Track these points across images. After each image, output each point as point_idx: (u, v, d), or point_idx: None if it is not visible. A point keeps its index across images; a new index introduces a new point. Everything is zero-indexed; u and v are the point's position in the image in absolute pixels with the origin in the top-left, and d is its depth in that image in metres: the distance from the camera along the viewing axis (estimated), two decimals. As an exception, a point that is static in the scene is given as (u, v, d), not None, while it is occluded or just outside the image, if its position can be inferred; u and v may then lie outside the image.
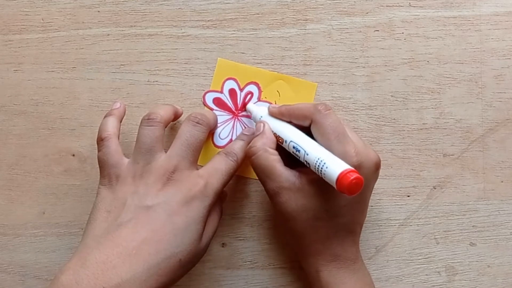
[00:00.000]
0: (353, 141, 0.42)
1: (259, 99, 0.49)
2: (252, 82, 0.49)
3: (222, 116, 0.49)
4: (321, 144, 0.42)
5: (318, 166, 0.40)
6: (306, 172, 0.42)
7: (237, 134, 0.49)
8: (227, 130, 0.49)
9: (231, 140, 0.49)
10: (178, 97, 0.49)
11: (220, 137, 0.49)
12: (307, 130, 0.44)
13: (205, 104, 0.49)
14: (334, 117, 0.42)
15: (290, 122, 0.45)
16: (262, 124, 0.45)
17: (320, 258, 0.43)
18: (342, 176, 0.38)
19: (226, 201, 0.49)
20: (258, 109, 0.48)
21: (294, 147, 0.43)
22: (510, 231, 0.50)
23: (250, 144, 0.44)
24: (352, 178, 0.37)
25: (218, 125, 0.49)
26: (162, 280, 0.39)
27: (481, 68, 0.50)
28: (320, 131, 0.42)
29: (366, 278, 0.44)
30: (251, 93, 0.49)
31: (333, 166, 0.39)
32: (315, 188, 0.42)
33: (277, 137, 0.45)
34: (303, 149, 0.42)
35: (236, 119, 0.49)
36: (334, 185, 0.38)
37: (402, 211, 0.50)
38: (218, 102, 0.49)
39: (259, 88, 0.49)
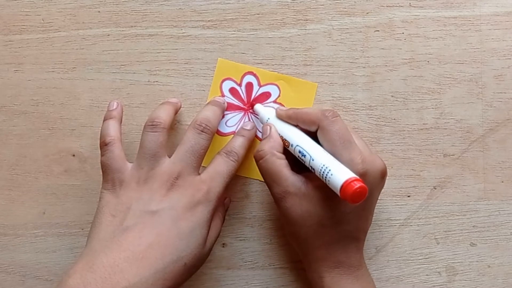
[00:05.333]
0: (360, 148, 0.42)
1: (260, 86, 0.49)
2: (247, 72, 0.49)
3: (235, 106, 0.49)
4: (327, 151, 0.42)
5: (323, 172, 0.40)
6: (312, 177, 0.42)
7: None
8: (235, 120, 0.49)
9: (234, 132, 0.49)
10: (178, 97, 0.49)
11: (226, 125, 0.49)
12: (313, 135, 0.44)
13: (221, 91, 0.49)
14: (341, 123, 0.42)
15: (297, 126, 0.45)
16: (268, 127, 0.45)
17: (324, 264, 0.43)
18: (346, 184, 0.38)
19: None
20: (265, 111, 0.48)
21: (300, 152, 0.43)
22: (511, 231, 0.50)
23: (257, 148, 0.44)
24: (356, 187, 0.37)
25: (228, 112, 0.49)
26: (168, 284, 0.40)
27: (481, 68, 0.50)
28: (327, 137, 0.42)
29: (369, 285, 0.44)
30: (250, 83, 0.49)
31: (338, 174, 0.39)
32: (320, 194, 0.42)
33: (283, 141, 0.45)
34: (309, 154, 0.42)
35: (247, 113, 0.49)
36: (338, 193, 0.38)
37: (403, 211, 0.50)
38: (234, 92, 0.49)
39: (256, 76, 0.49)
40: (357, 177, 0.38)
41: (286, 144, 0.44)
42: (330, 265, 0.43)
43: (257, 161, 0.44)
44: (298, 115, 0.45)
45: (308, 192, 0.42)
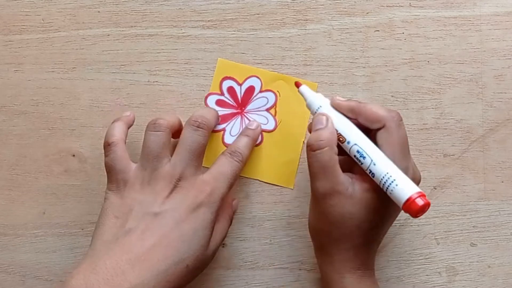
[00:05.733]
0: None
1: (261, 91, 0.49)
2: (252, 75, 0.49)
3: (229, 115, 0.49)
4: (384, 153, 0.40)
5: (386, 181, 0.39)
6: (358, 178, 0.41)
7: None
8: (237, 127, 0.49)
9: None
10: (178, 97, 0.49)
11: (231, 135, 0.49)
12: (366, 132, 0.42)
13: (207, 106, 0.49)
14: (404, 129, 0.41)
15: (350, 119, 0.43)
16: (325, 118, 0.42)
17: (348, 265, 0.43)
18: (413, 199, 0.37)
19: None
20: (316, 97, 0.44)
21: (358, 152, 0.41)
22: (511, 232, 0.50)
23: (316, 137, 0.41)
24: (423, 203, 0.37)
25: (227, 123, 0.49)
26: (169, 286, 0.40)
27: (481, 68, 0.50)
28: (389, 140, 0.41)
29: None
30: (252, 87, 0.49)
31: (404, 187, 0.38)
32: (366, 198, 0.41)
33: (338, 135, 0.42)
34: (369, 158, 0.40)
35: (243, 116, 0.49)
36: (401, 205, 0.38)
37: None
38: (221, 103, 0.49)
39: (260, 80, 0.49)
40: (422, 192, 0.38)
41: (341, 139, 0.42)
42: (354, 266, 0.43)
43: (312, 150, 0.41)
44: (361, 109, 0.42)
45: (354, 194, 0.41)
